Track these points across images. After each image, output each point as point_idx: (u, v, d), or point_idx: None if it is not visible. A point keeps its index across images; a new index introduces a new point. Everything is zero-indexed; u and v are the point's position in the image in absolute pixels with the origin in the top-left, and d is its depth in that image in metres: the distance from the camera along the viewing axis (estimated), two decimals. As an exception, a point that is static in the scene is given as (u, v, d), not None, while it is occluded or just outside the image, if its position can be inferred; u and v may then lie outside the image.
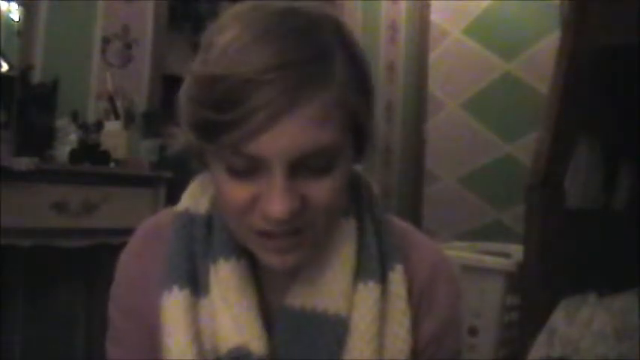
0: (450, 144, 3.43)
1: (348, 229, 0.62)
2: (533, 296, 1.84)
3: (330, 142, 0.52)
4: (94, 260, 2.22)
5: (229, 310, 0.59)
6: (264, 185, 0.52)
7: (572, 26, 1.85)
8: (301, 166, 0.52)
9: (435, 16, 3.56)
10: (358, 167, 0.66)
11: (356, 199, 0.65)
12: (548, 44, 2.89)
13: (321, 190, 0.54)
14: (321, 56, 0.52)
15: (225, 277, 0.60)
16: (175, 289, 0.60)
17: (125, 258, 0.70)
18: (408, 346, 0.61)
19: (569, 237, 1.84)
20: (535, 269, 1.82)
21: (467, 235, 3.07)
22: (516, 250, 2.28)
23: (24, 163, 1.73)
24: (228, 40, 0.52)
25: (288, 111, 0.49)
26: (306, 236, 0.56)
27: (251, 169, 0.53)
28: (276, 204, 0.51)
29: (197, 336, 0.59)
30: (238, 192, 0.54)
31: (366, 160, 0.62)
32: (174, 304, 0.60)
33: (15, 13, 2.19)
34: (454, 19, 3.46)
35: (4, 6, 2.16)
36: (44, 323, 2.19)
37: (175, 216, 0.66)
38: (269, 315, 0.61)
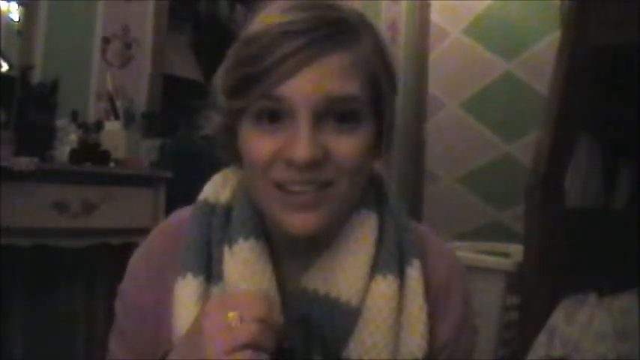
0: (450, 144, 3.43)
1: (369, 221, 0.64)
2: (533, 296, 1.84)
3: (352, 95, 0.56)
4: (94, 260, 2.22)
5: (247, 287, 0.60)
6: (289, 135, 0.56)
7: (572, 26, 1.85)
8: (326, 118, 0.56)
9: (435, 16, 3.55)
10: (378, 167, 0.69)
11: (378, 195, 0.67)
12: (548, 44, 2.89)
13: (344, 146, 0.57)
14: (347, 25, 0.57)
15: (243, 256, 0.61)
16: (189, 276, 0.62)
17: (137, 255, 0.71)
18: (425, 341, 0.62)
19: (569, 237, 1.84)
20: (535, 269, 1.82)
21: (467, 235, 3.06)
22: (516, 250, 2.28)
23: (24, 163, 1.73)
24: (262, 14, 0.58)
25: (314, 60, 0.54)
26: (328, 195, 0.57)
27: (278, 117, 0.56)
28: (300, 148, 0.54)
29: None
30: (265, 143, 0.57)
31: (384, 156, 0.65)
32: (187, 291, 0.61)
33: (15, 13, 2.19)
34: (454, 19, 3.46)
35: (4, 6, 2.16)
36: (44, 323, 2.19)
37: (195, 206, 0.68)
38: (283, 296, 0.62)
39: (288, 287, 0.64)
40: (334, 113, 0.56)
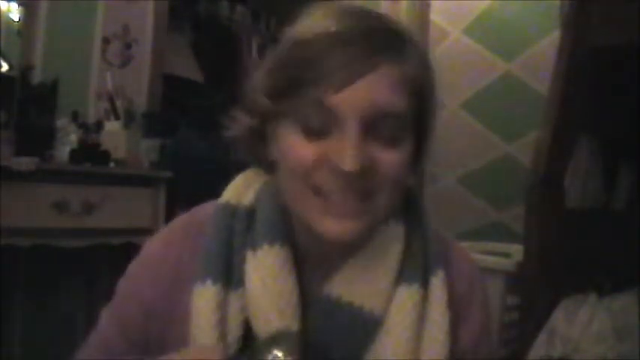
0: (450, 144, 3.43)
1: (397, 232, 0.65)
2: (533, 296, 1.84)
3: (401, 110, 0.57)
4: (94, 260, 2.22)
5: (269, 294, 0.60)
6: (336, 143, 0.55)
7: (572, 26, 1.85)
8: (373, 131, 0.56)
9: (435, 16, 3.55)
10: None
11: (407, 205, 0.68)
12: (548, 44, 2.89)
13: (389, 158, 0.57)
14: (398, 38, 0.58)
15: (268, 263, 0.61)
16: (209, 283, 0.61)
17: (154, 243, 0.70)
18: (446, 350, 0.62)
19: (569, 237, 1.84)
20: (535, 269, 1.82)
21: (467, 235, 3.06)
22: (516, 250, 2.28)
23: (24, 163, 1.73)
24: (311, 17, 0.58)
25: (367, 71, 0.54)
26: (368, 206, 0.58)
27: (326, 126, 0.56)
28: (349, 158, 0.54)
29: (223, 332, 0.60)
30: (310, 150, 0.56)
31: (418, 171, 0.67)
32: (206, 297, 0.61)
33: (15, 13, 2.19)
34: (454, 19, 3.46)
35: (4, 6, 2.16)
36: (44, 323, 2.19)
37: (216, 208, 0.67)
38: (305, 302, 0.62)
39: (310, 293, 0.63)
40: (382, 126, 0.56)
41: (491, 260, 2.30)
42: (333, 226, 0.57)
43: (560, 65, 1.85)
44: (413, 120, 0.59)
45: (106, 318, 0.71)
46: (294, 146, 0.57)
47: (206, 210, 0.69)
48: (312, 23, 0.57)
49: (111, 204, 1.96)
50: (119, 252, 1.97)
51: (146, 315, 0.66)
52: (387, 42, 0.56)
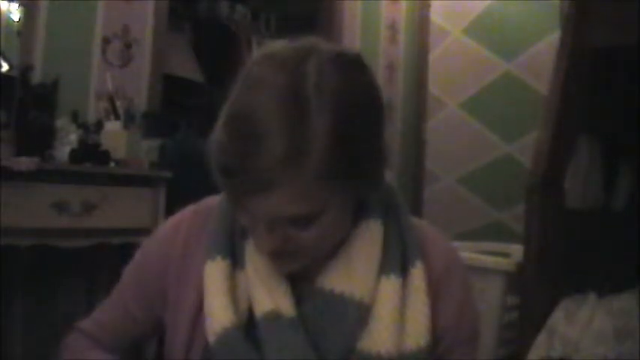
0: (450, 144, 3.43)
1: (376, 229, 0.71)
2: (533, 296, 1.84)
3: (304, 213, 0.61)
4: (94, 260, 2.22)
5: (262, 281, 0.68)
6: (255, 223, 0.63)
7: (572, 26, 1.85)
8: (284, 221, 0.61)
9: (435, 16, 3.56)
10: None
11: (383, 204, 0.74)
12: (548, 44, 2.89)
13: (303, 237, 0.63)
14: (302, 147, 0.57)
15: (256, 255, 0.69)
16: (219, 259, 0.70)
17: (167, 222, 0.80)
18: (427, 331, 0.69)
19: (569, 237, 1.84)
20: (535, 269, 1.83)
21: (467, 235, 3.06)
22: (516, 250, 2.29)
23: (24, 163, 1.73)
24: (225, 118, 0.61)
25: (264, 190, 0.58)
26: (298, 257, 0.65)
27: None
28: (261, 243, 0.64)
29: (234, 299, 0.69)
30: (243, 218, 0.65)
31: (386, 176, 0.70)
32: (217, 270, 0.69)
33: (15, 13, 2.19)
34: (454, 19, 3.46)
35: (4, 6, 2.16)
36: (44, 323, 2.19)
37: (221, 198, 0.75)
38: (296, 291, 0.69)
39: (300, 284, 0.70)
40: (290, 221, 0.61)
41: (491, 260, 2.30)
42: (277, 266, 0.67)
43: (560, 65, 1.85)
44: (336, 191, 0.61)
45: (126, 271, 0.80)
46: (235, 208, 0.66)
47: (214, 200, 0.77)
48: (218, 136, 0.61)
49: (111, 204, 1.96)
50: (119, 252, 1.97)
51: (160, 277, 0.75)
52: (284, 164, 0.57)
